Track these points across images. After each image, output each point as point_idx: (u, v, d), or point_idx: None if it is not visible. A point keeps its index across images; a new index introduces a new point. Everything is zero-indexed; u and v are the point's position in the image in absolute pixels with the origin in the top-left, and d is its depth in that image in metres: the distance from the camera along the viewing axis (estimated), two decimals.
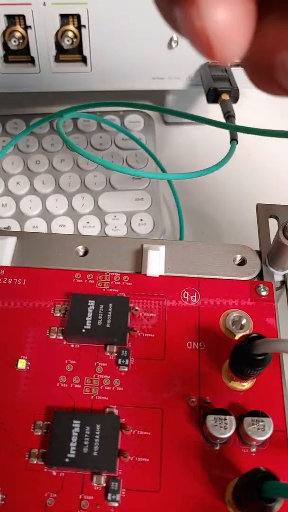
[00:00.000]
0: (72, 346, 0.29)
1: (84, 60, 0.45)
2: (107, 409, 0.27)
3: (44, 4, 0.42)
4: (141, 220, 0.45)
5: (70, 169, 0.48)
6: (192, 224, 0.47)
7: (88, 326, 0.28)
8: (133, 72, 0.46)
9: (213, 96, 0.43)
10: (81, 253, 0.33)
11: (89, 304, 0.29)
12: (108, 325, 0.28)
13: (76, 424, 0.26)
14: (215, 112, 0.51)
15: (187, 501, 0.25)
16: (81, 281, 0.31)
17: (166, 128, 0.52)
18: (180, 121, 0.52)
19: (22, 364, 0.28)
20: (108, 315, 0.29)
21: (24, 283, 0.31)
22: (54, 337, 0.29)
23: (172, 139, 0.52)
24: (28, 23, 0.43)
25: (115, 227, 0.45)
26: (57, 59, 0.45)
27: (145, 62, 0.45)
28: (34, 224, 0.45)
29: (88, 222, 0.45)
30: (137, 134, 0.50)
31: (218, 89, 0.43)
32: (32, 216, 0.45)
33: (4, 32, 0.43)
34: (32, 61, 0.45)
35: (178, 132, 0.52)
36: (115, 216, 0.46)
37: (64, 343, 0.29)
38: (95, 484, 0.25)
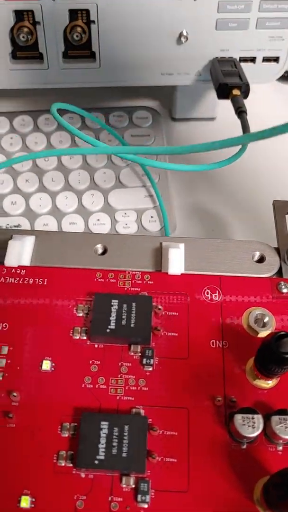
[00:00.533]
0: (96, 346, 0.29)
1: (92, 56, 0.45)
2: (134, 410, 0.27)
3: None
4: (152, 217, 0.45)
5: (80, 166, 0.47)
6: (202, 221, 0.47)
7: (112, 326, 0.28)
8: (142, 68, 0.46)
9: (223, 92, 0.43)
10: (100, 251, 0.33)
11: (112, 303, 0.29)
12: (132, 325, 0.28)
13: (104, 425, 0.26)
14: (222, 108, 0.51)
15: (216, 501, 0.25)
16: (103, 280, 0.31)
17: (174, 124, 0.52)
18: (187, 117, 0.52)
19: (46, 365, 0.28)
20: (132, 315, 0.29)
21: (45, 283, 0.31)
22: (77, 337, 0.29)
23: (180, 135, 0.52)
24: (37, 19, 0.42)
25: (126, 224, 0.45)
26: (65, 55, 0.45)
27: (154, 58, 0.45)
28: (45, 222, 0.45)
29: (98, 220, 0.45)
30: (145, 130, 0.50)
31: (228, 84, 0.42)
32: (42, 214, 0.45)
33: (12, 28, 0.43)
34: (40, 57, 0.44)
35: (185, 128, 0.52)
36: (125, 214, 0.45)
37: (88, 343, 0.29)
38: (124, 486, 0.25)
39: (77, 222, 0.45)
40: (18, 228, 0.44)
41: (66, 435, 0.26)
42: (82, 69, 0.45)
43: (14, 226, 0.44)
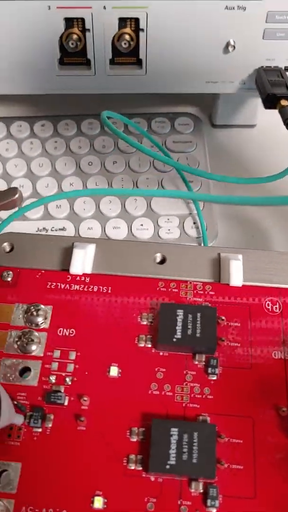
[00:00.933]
0: (161, 354, 0.29)
1: (139, 63, 0.45)
2: (200, 417, 0.28)
3: (105, 7, 0.42)
4: (194, 223, 0.46)
5: (123, 171, 0.48)
6: (242, 227, 0.47)
7: (178, 335, 0.29)
8: (188, 76, 0.46)
9: (271, 102, 0.43)
10: (158, 260, 0.33)
11: (177, 313, 0.30)
12: (198, 335, 0.29)
13: (174, 431, 0.26)
14: (262, 117, 0.51)
15: (283, 508, 0.26)
16: (165, 289, 0.32)
17: (214, 131, 0.53)
18: (227, 124, 0.53)
19: (114, 371, 0.29)
20: (197, 325, 0.29)
21: (109, 291, 0.31)
22: (142, 345, 0.30)
23: (220, 142, 0.52)
24: (87, 26, 0.43)
25: (169, 230, 0.46)
26: (112, 61, 0.45)
27: (201, 66, 0.46)
28: (89, 226, 0.45)
29: (141, 225, 0.46)
30: (187, 136, 0.50)
31: (277, 94, 0.43)
32: (86, 217, 0.46)
33: (61, 35, 0.43)
34: (87, 63, 0.45)
35: (226, 135, 0.53)
36: (168, 219, 0.46)
37: (153, 351, 0.30)
38: (192, 490, 0.26)
39: (120, 227, 0.45)
40: (72, 236, 0.44)
41: (135, 440, 0.27)
42: (128, 75, 0.46)
43: (59, 229, 0.45)
